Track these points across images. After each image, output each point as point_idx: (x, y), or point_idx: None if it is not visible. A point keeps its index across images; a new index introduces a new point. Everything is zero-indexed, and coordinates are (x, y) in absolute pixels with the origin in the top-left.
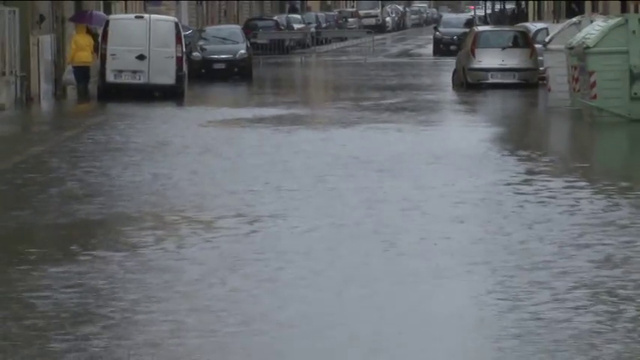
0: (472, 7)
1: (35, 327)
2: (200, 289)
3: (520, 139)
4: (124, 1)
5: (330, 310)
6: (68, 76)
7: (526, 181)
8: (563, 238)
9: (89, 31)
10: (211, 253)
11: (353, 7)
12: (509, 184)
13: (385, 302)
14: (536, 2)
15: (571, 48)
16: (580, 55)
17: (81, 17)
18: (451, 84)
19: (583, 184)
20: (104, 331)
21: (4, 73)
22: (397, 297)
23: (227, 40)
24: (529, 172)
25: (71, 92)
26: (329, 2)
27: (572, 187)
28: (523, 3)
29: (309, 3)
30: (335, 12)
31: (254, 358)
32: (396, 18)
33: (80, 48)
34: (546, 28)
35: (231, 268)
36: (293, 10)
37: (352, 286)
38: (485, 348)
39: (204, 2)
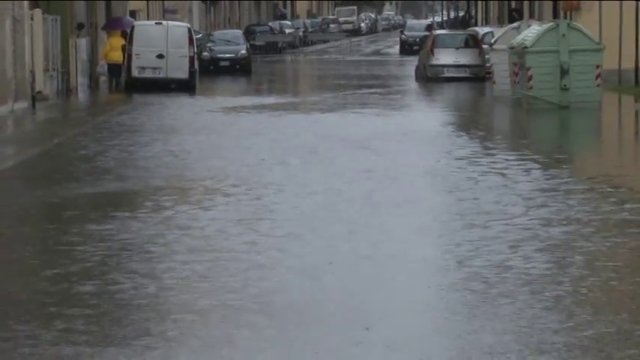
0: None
1: (67, 273)
2: (213, 244)
3: (473, 121)
4: (146, 4)
5: (327, 259)
6: (100, 69)
7: (482, 155)
8: (517, 200)
9: (124, 34)
10: (224, 215)
11: (334, 14)
12: (468, 157)
13: (372, 253)
14: (483, 10)
15: (512, 48)
16: (519, 53)
17: (115, 23)
18: (414, 77)
19: (528, 157)
20: (129, 277)
21: (48, 70)
22: (381, 249)
23: (231, 42)
24: (484, 147)
25: (102, 85)
26: (314, 10)
27: (519, 160)
28: (473, 11)
29: (297, 11)
30: (319, 19)
31: (258, 299)
32: (370, 24)
33: (114, 48)
34: (492, 32)
35: (240, 227)
36: (281, 17)
37: (343, 240)
38: (454, 288)
39: (212, 11)
